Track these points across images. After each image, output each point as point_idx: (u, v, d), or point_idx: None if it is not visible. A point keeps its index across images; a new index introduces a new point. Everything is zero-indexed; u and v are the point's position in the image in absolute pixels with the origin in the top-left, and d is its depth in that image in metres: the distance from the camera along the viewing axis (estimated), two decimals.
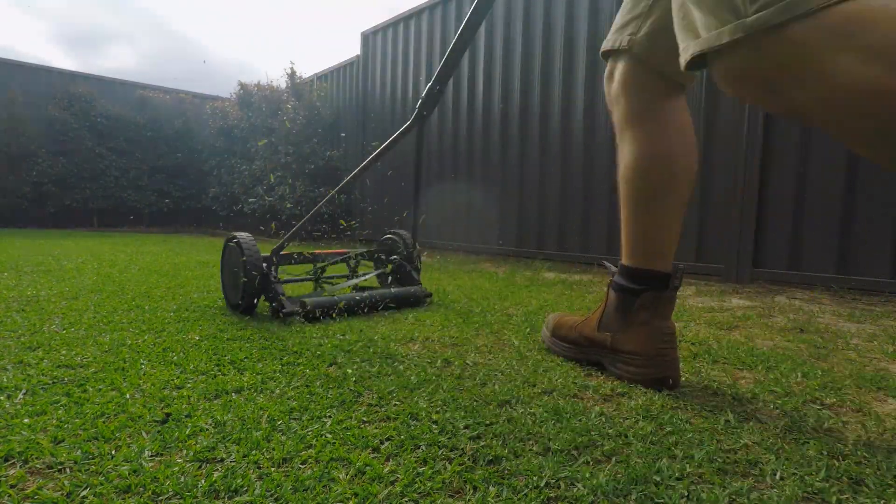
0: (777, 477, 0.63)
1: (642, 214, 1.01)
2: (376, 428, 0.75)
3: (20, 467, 0.62)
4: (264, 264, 1.51)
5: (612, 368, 1.01)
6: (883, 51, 0.51)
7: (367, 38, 5.18)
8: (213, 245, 4.81)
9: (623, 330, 0.99)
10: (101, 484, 0.58)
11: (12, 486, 0.58)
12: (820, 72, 0.54)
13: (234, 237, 1.57)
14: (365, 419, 0.78)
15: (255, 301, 1.53)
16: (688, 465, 0.64)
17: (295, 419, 0.77)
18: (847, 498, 0.58)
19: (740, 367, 1.10)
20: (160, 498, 0.56)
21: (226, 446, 0.68)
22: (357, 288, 1.82)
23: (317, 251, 1.83)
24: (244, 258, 1.48)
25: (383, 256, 1.95)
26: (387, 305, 1.67)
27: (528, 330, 1.41)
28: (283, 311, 1.46)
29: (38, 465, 0.62)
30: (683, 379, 1.00)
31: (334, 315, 1.54)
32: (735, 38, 0.59)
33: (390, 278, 1.95)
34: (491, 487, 0.59)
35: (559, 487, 0.59)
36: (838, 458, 0.68)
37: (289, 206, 5.55)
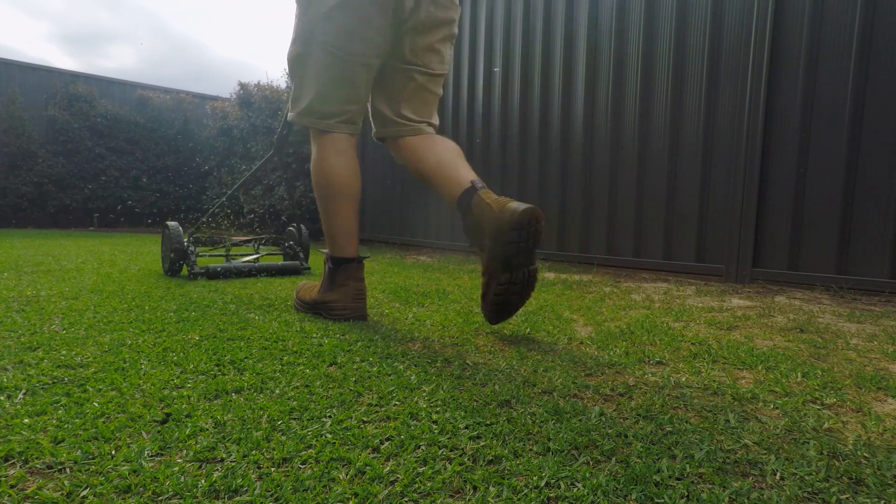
0: (777, 477, 0.63)
1: (323, 217, 1.53)
2: (376, 428, 0.75)
3: (20, 467, 0.62)
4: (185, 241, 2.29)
5: (327, 316, 1.52)
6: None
7: None
8: None
9: (332, 290, 1.51)
10: (101, 484, 0.58)
11: (12, 486, 0.58)
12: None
13: (167, 225, 2.33)
14: (365, 419, 0.78)
15: (178, 266, 2.33)
16: (688, 465, 0.64)
17: (295, 419, 0.77)
18: (847, 498, 0.58)
19: (740, 367, 1.10)
20: (160, 498, 0.56)
21: (226, 446, 0.68)
22: (255, 261, 2.55)
23: (236, 237, 2.57)
24: (171, 238, 2.27)
25: (284, 241, 2.78)
26: (270, 273, 2.45)
27: (528, 330, 1.41)
28: (192, 272, 2.25)
29: (38, 465, 0.62)
30: (683, 379, 1.00)
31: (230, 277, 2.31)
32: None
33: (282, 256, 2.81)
34: (491, 487, 0.59)
35: (559, 487, 0.59)
36: (838, 458, 0.68)
37: (288, 204, 5.55)
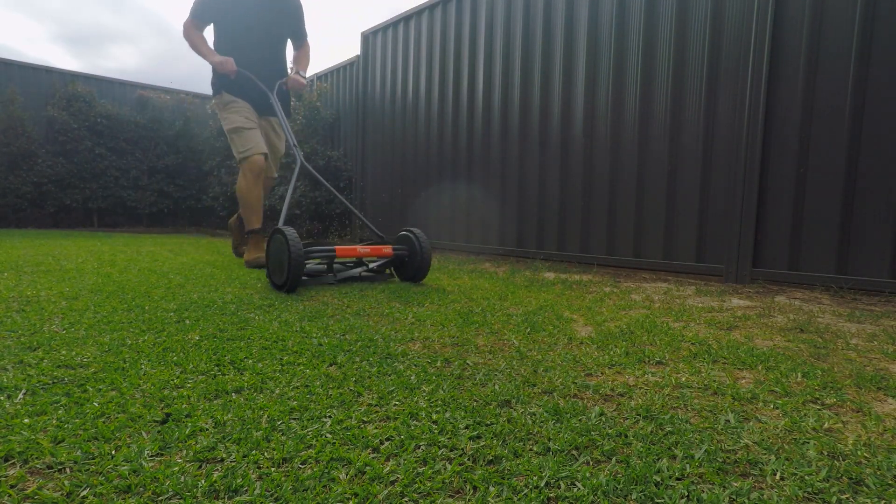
0: (777, 477, 0.63)
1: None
2: (376, 428, 0.75)
3: (20, 467, 0.62)
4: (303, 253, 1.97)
5: (246, 266, 2.80)
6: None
7: (367, 38, 5.18)
8: (213, 245, 4.81)
9: (247, 250, 2.91)
10: (101, 484, 0.58)
11: (12, 486, 0.58)
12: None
13: (281, 231, 2.02)
14: (365, 419, 0.78)
15: (297, 283, 1.98)
16: (688, 465, 0.64)
17: (295, 419, 0.77)
18: (847, 498, 0.58)
19: (740, 367, 1.10)
20: (160, 498, 0.56)
21: (226, 446, 0.68)
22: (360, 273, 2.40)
23: (341, 250, 2.19)
24: (290, 249, 1.93)
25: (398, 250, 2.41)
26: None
27: (528, 330, 1.41)
28: (320, 279, 2.21)
29: (38, 465, 0.62)
30: (683, 379, 1.00)
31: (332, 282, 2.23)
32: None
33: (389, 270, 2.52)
34: (491, 487, 0.59)
35: (559, 487, 0.59)
36: (838, 458, 0.68)
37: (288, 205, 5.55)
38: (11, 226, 7.12)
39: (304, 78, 3.11)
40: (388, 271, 2.48)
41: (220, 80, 2.89)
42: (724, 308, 1.84)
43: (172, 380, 0.93)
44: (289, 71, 3.17)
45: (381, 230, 5.22)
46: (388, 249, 2.27)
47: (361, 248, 2.18)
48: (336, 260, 2.23)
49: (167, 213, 8.45)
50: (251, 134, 2.84)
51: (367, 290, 2.07)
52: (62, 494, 0.56)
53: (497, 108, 3.69)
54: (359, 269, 2.37)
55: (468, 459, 0.65)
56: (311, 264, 2.32)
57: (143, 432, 0.71)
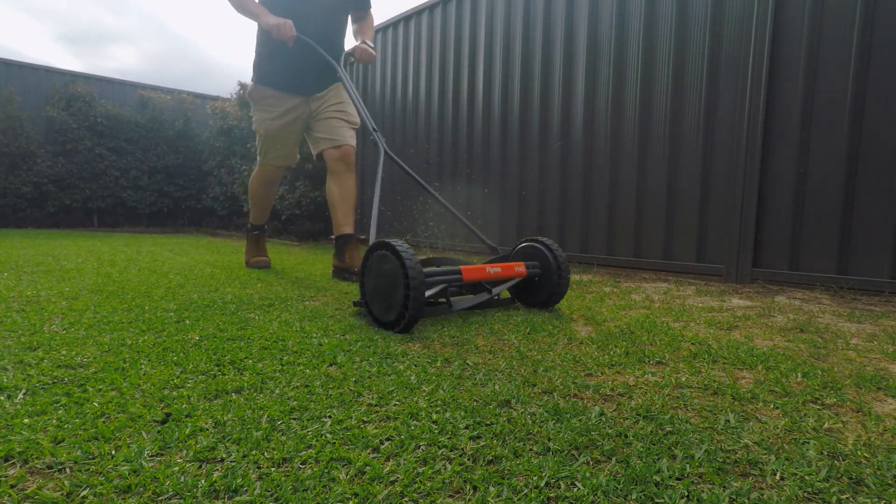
0: (777, 477, 0.63)
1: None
2: (376, 428, 0.75)
3: (20, 467, 0.62)
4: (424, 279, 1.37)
5: (247, 267, 2.84)
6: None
7: None
8: (213, 245, 4.82)
9: (246, 248, 2.95)
10: (101, 484, 0.58)
11: (12, 486, 0.58)
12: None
13: (390, 246, 1.43)
14: (365, 419, 0.78)
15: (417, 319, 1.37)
16: (688, 465, 0.64)
17: (295, 419, 0.77)
18: (847, 498, 0.58)
19: (740, 367, 1.10)
20: (160, 498, 0.56)
21: (226, 446, 0.68)
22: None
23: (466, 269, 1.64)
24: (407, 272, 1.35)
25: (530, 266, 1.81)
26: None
27: (528, 330, 1.41)
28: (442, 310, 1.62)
29: (38, 465, 0.62)
30: (683, 379, 1.00)
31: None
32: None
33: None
34: (491, 487, 0.59)
35: (559, 487, 0.59)
36: (838, 458, 0.68)
37: (287, 204, 5.55)
38: (11, 226, 7.11)
39: (372, 48, 2.56)
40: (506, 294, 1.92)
41: (260, 68, 2.51)
42: (724, 308, 1.84)
43: (172, 380, 0.93)
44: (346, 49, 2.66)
45: (381, 229, 5.22)
46: (521, 268, 1.76)
47: (491, 268, 1.69)
48: (457, 283, 1.61)
49: (167, 213, 8.44)
50: (273, 143, 2.57)
51: None
52: (62, 494, 0.56)
53: (497, 107, 3.69)
54: (481, 296, 1.73)
55: (468, 459, 0.65)
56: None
57: (143, 432, 0.71)
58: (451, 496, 0.58)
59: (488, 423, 0.76)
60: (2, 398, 0.82)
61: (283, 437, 0.70)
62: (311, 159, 5.67)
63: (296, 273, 2.64)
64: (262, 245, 2.87)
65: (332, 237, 2.49)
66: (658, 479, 0.61)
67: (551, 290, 1.74)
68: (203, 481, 0.59)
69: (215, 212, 7.80)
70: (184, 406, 0.81)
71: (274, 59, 2.46)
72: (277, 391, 0.88)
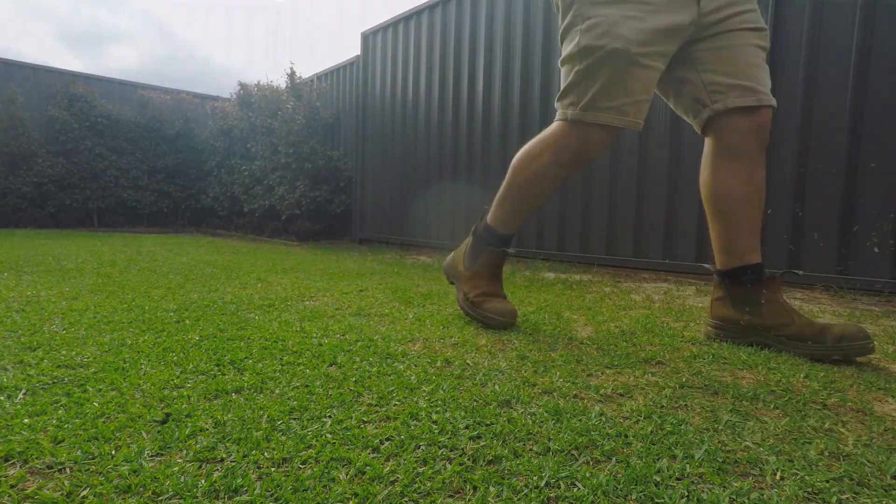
0: (778, 477, 0.63)
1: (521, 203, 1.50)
2: (376, 428, 0.75)
3: (20, 467, 0.62)
4: None
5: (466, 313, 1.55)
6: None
7: (367, 38, 5.18)
8: (213, 245, 4.82)
9: (467, 277, 1.55)
10: (101, 484, 0.58)
11: (12, 486, 0.58)
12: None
13: None
14: (365, 419, 0.78)
15: None
16: (688, 465, 0.64)
17: (295, 419, 0.77)
18: (848, 498, 0.58)
19: (741, 367, 1.10)
20: (160, 498, 0.56)
21: (226, 446, 0.68)
22: None
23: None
24: None
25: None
26: None
27: (529, 330, 1.41)
28: None
29: (38, 465, 0.62)
30: (683, 379, 1.00)
31: None
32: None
33: None
34: (491, 487, 0.59)
35: (559, 487, 0.59)
36: (839, 458, 0.68)
37: (288, 204, 5.55)
38: (11, 226, 7.12)
39: None
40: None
41: None
42: None
43: (172, 380, 0.93)
44: None
45: (381, 230, 5.22)
46: None
47: None
48: None
49: (167, 213, 8.45)
50: (630, 71, 1.28)
51: (366, 290, 2.07)
52: (62, 494, 0.56)
53: (497, 107, 3.69)
54: None
55: (468, 459, 0.65)
56: None
57: (143, 432, 0.71)
58: (451, 496, 0.58)
59: (488, 423, 0.76)
60: (2, 398, 0.82)
61: (283, 438, 0.70)
62: (309, 158, 5.69)
63: (296, 273, 2.64)
64: (499, 275, 1.54)
65: (711, 267, 1.39)
66: (658, 479, 0.61)
67: None
68: (203, 481, 0.59)
69: (215, 212, 7.81)
70: (184, 406, 0.81)
71: None
72: (277, 391, 0.88)
